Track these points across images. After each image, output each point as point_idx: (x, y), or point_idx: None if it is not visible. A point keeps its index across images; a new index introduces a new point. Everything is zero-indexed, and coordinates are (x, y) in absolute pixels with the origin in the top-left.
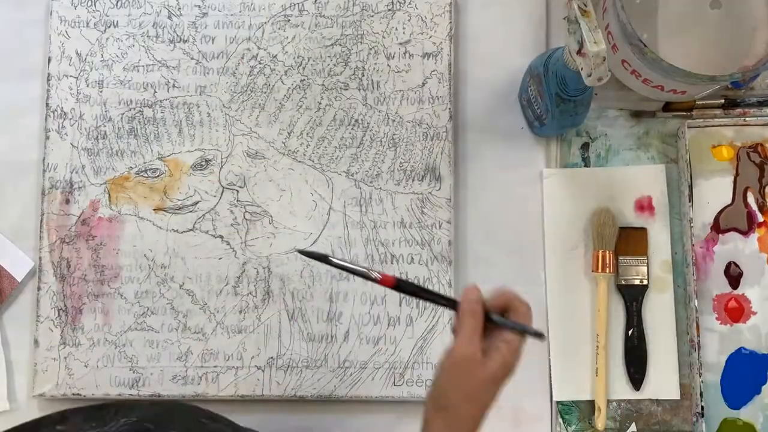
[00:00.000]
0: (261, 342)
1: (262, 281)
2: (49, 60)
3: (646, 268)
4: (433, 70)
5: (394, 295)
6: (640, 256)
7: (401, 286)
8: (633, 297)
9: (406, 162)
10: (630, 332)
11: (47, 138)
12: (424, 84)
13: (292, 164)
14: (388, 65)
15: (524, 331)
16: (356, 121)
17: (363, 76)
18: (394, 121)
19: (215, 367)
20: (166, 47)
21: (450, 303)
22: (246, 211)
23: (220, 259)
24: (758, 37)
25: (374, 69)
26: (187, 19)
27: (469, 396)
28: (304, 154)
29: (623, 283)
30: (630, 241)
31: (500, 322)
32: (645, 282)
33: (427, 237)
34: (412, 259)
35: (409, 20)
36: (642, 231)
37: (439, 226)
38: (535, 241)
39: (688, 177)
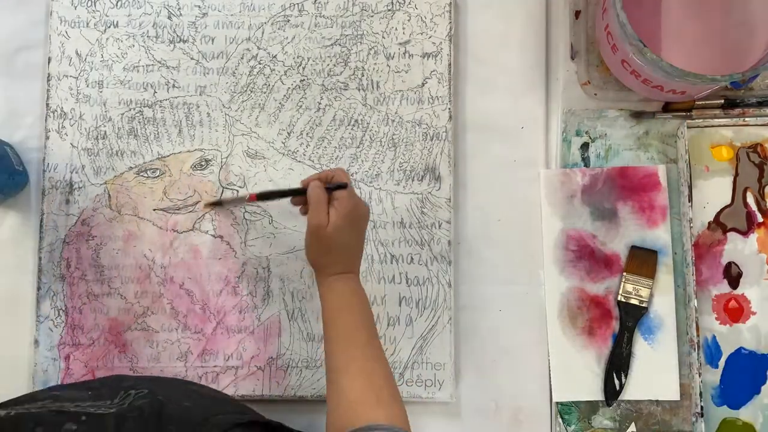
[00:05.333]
0: (261, 342)
1: (262, 281)
2: (49, 60)
3: (649, 290)
4: (433, 70)
5: (394, 295)
6: (646, 278)
7: (261, 195)
8: (630, 315)
9: (405, 162)
10: (622, 345)
11: (47, 138)
12: (423, 84)
13: (291, 164)
14: (387, 65)
15: (338, 187)
16: (356, 121)
17: (363, 76)
18: (393, 121)
19: (215, 366)
20: (166, 47)
21: (301, 190)
22: (246, 212)
23: (219, 259)
24: (758, 37)
25: (374, 69)
26: (187, 19)
27: (328, 249)
28: (304, 154)
29: (622, 300)
30: (640, 262)
31: (330, 188)
32: (644, 305)
33: (426, 237)
34: (412, 259)
35: (408, 20)
36: (653, 254)
37: (439, 226)
38: (534, 241)
39: (688, 177)
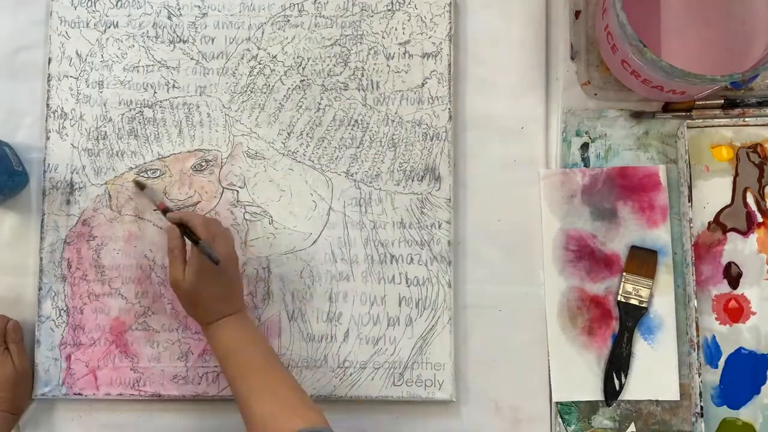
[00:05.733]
0: None
1: (262, 281)
2: (49, 60)
3: (649, 291)
4: (433, 71)
5: (393, 296)
6: (646, 278)
7: (166, 211)
8: (630, 315)
9: (405, 162)
10: (622, 344)
11: (48, 138)
12: (423, 84)
13: (291, 165)
14: (387, 65)
15: (193, 242)
16: (356, 121)
17: (362, 76)
18: (393, 121)
19: (216, 367)
20: (166, 47)
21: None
22: (246, 212)
23: None
24: (758, 37)
25: (374, 69)
26: (187, 19)
27: (195, 302)
28: (304, 155)
29: (622, 300)
30: (640, 262)
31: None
32: (644, 305)
33: (426, 237)
34: (412, 259)
35: (408, 20)
36: (653, 254)
37: (439, 227)
38: (534, 241)
39: (688, 177)
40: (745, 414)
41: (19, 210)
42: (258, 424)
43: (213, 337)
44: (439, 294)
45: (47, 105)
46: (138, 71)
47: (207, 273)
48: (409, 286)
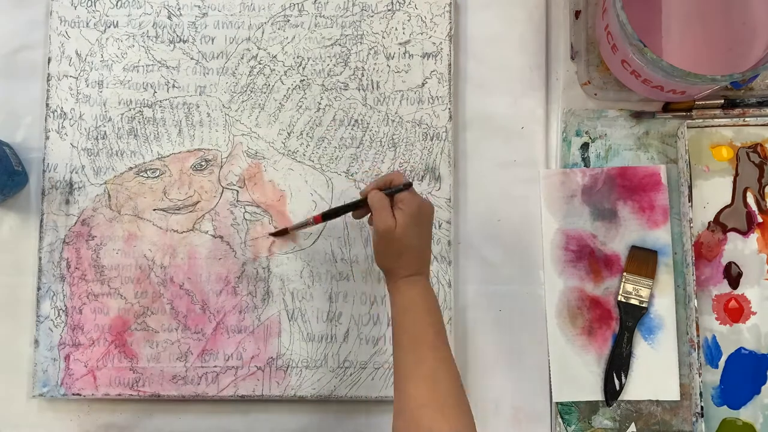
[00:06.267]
0: (261, 342)
1: (262, 281)
2: (49, 60)
3: (649, 290)
4: (433, 70)
5: None
6: (646, 278)
7: (325, 215)
8: (630, 315)
9: (405, 162)
10: (623, 344)
11: (47, 138)
12: (423, 84)
13: (291, 164)
14: (387, 65)
15: (404, 187)
16: (356, 121)
17: (363, 76)
18: (393, 121)
19: (215, 367)
20: (165, 47)
21: (361, 202)
22: (246, 211)
23: (219, 259)
24: (758, 37)
25: (374, 69)
26: (187, 19)
27: (399, 252)
28: (304, 155)
29: (622, 300)
30: (641, 262)
31: (391, 192)
32: (644, 305)
33: None
34: None
35: (408, 20)
36: (653, 254)
37: (439, 226)
38: (534, 241)
39: (688, 177)
40: (745, 414)
41: (19, 210)
42: (405, 406)
43: (400, 293)
44: (439, 294)
45: (47, 104)
46: (138, 71)
47: (416, 219)
48: None
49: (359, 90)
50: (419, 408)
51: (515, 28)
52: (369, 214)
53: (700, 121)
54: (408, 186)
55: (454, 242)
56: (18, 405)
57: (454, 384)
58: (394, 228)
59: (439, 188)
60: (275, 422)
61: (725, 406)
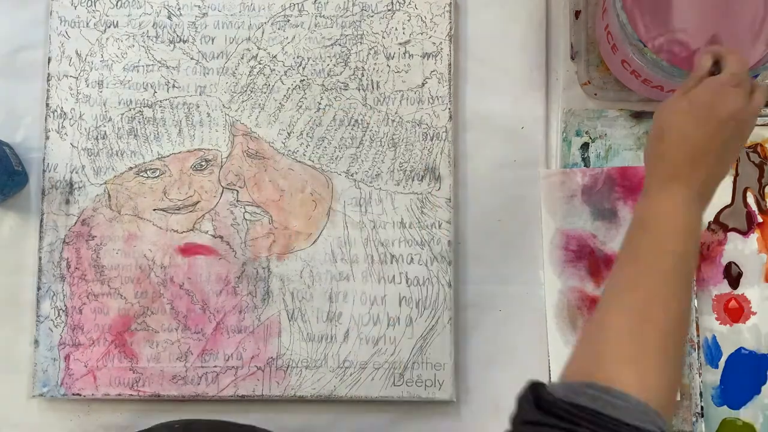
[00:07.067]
0: (261, 342)
1: (262, 281)
2: (49, 60)
3: None
4: (433, 70)
5: (394, 296)
6: None
7: None
8: None
9: (405, 162)
10: None
11: (47, 138)
12: (423, 84)
13: (291, 164)
14: (387, 65)
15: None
16: (356, 121)
17: (363, 76)
18: (393, 121)
19: (215, 367)
20: (165, 47)
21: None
22: (246, 211)
23: (219, 259)
24: (758, 37)
25: (374, 69)
26: (187, 19)
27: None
28: (304, 154)
29: None
30: None
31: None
32: None
33: (426, 237)
34: (412, 259)
35: (408, 20)
36: None
37: (439, 226)
38: (534, 241)
39: None
40: (745, 414)
41: (18, 210)
42: (593, 337)
43: (648, 195)
44: (439, 294)
45: (47, 104)
46: (138, 71)
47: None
48: (409, 286)
49: (359, 90)
50: (607, 344)
51: (515, 28)
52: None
53: None
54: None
55: (454, 242)
56: (18, 405)
57: (668, 334)
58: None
59: (439, 188)
60: (275, 422)
61: (725, 406)
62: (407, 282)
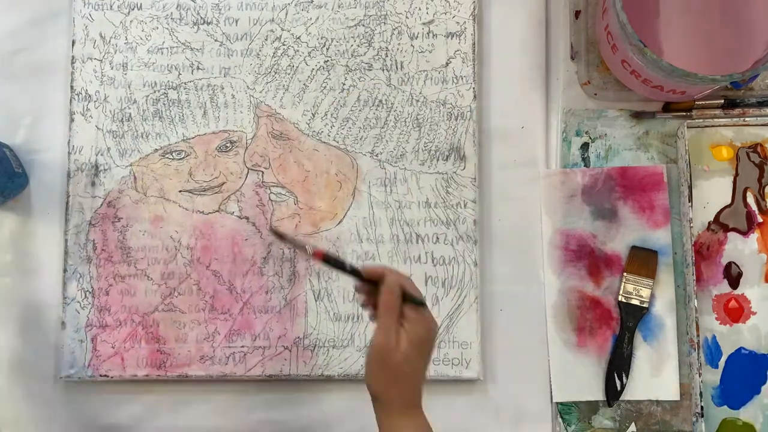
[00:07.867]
0: (288, 322)
1: (288, 262)
2: (73, 43)
3: (650, 291)
4: (457, 50)
5: (419, 275)
6: (647, 278)
7: (326, 257)
8: (631, 315)
9: (430, 142)
10: (623, 344)
11: (72, 120)
12: (447, 64)
13: (316, 145)
14: (411, 45)
15: (417, 302)
16: (380, 101)
17: (386, 56)
18: (418, 101)
19: (242, 347)
20: (189, 29)
21: (369, 280)
22: (271, 192)
23: (246, 240)
24: (758, 37)
25: (398, 49)
26: (211, 1)
27: (394, 379)
28: (329, 135)
29: (623, 300)
30: (641, 262)
31: (404, 300)
32: (645, 305)
33: (452, 216)
34: (437, 238)
35: (432, 0)
36: (653, 254)
37: (464, 206)
38: (534, 241)
39: (688, 177)
40: (745, 414)
41: (19, 212)
42: None
43: (395, 428)
44: (465, 273)
45: (71, 87)
46: (162, 53)
47: (421, 348)
48: (435, 266)
49: (383, 70)
50: None
51: (515, 28)
52: (366, 298)
53: (700, 121)
54: (422, 304)
55: (480, 221)
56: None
57: None
58: (394, 350)
59: (464, 167)
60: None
61: (725, 406)
62: (433, 261)
